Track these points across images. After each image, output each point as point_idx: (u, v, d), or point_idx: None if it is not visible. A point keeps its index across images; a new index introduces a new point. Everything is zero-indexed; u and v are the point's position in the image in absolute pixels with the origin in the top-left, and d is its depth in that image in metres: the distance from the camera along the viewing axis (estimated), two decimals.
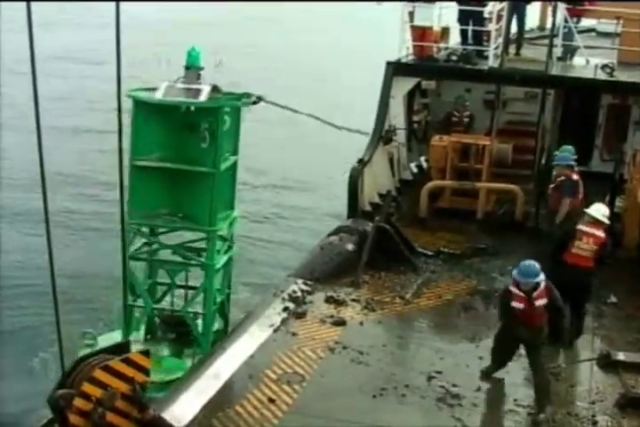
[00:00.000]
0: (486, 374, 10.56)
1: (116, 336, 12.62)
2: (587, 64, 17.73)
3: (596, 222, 11.50)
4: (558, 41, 17.33)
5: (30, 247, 18.50)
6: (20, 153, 24.87)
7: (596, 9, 19.35)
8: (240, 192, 13.14)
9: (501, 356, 10.52)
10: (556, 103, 17.46)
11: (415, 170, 18.59)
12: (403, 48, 17.40)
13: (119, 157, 7.91)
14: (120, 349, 8.28)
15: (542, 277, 9.83)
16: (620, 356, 10.98)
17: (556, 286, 10.19)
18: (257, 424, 9.30)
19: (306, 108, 13.14)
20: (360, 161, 15.86)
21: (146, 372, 8.10)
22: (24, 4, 7.03)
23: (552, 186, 13.54)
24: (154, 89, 11.86)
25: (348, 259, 13.72)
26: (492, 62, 16.75)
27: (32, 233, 19.00)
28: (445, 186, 16.27)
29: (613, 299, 13.04)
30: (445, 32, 18.20)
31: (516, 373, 10.54)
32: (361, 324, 11.96)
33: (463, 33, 17.75)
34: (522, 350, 10.40)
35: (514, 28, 18.49)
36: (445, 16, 17.74)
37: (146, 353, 8.26)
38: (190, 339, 12.67)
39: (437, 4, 17.31)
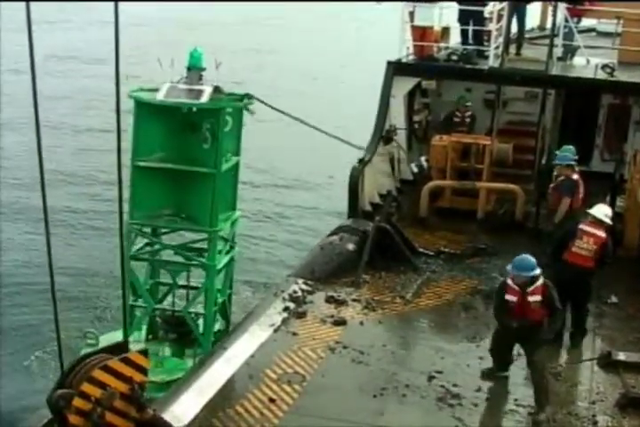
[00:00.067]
0: (487, 375, 10.56)
1: (117, 336, 12.57)
2: (587, 64, 17.72)
3: (597, 222, 11.50)
4: (559, 41, 17.32)
5: (32, 246, 18.53)
6: (21, 152, 24.93)
7: (597, 9, 19.34)
8: (241, 191, 13.14)
9: (500, 354, 10.52)
10: (556, 103, 17.45)
11: (415, 170, 18.59)
12: (403, 48, 17.39)
13: (118, 156, 7.91)
14: (119, 348, 8.28)
15: (538, 272, 9.83)
16: (621, 356, 10.98)
17: (556, 284, 10.21)
18: (257, 424, 9.31)
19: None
20: (360, 161, 15.85)
21: (144, 371, 8.09)
22: (24, 3, 7.02)
23: (552, 185, 13.55)
24: (155, 89, 11.86)
25: (348, 259, 13.73)
26: (493, 62, 16.74)
27: (34, 232, 19.03)
28: (446, 186, 16.27)
29: (614, 299, 13.03)
30: (446, 32, 18.18)
31: (516, 373, 10.54)
32: (361, 324, 11.96)
33: (463, 33, 17.74)
34: (522, 350, 10.40)
35: (514, 27, 18.47)
36: (446, 16, 17.73)
37: (144, 353, 8.25)
38: (191, 339, 12.67)
39: (438, 3, 17.29)
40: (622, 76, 16.68)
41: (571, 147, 13.85)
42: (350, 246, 13.94)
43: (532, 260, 9.87)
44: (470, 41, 17.50)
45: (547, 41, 16.98)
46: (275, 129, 12.65)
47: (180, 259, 12.85)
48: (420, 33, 17.25)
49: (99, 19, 41.87)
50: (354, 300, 12.66)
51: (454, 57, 17.26)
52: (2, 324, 16.42)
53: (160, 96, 11.64)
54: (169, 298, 13.34)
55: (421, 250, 14.60)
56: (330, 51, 45.08)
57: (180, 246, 12.89)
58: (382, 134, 16.91)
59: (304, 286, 12.88)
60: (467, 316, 12.45)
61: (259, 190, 24.37)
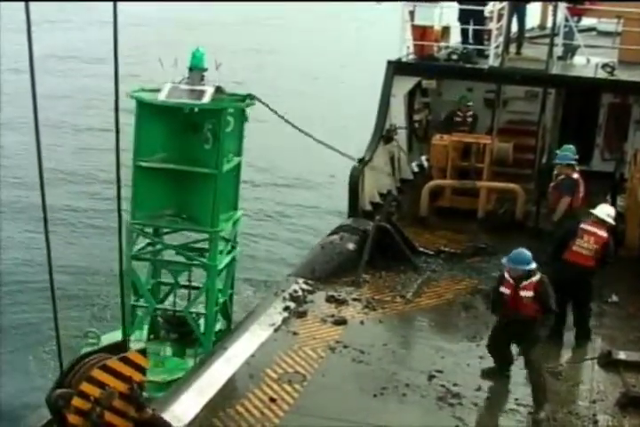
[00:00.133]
0: (487, 374, 10.56)
1: (119, 335, 12.54)
2: (587, 63, 17.72)
3: (599, 222, 11.49)
4: (559, 40, 17.33)
5: (33, 244, 18.52)
6: (21, 151, 24.93)
7: (597, 8, 19.35)
8: (242, 190, 13.15)
9: (497, 351, 10.52)
10: (556, 102, 17.45)
11: (416, 169, 18.60)
12: (403, 47, 17.39)
13: (117, 155, 7.91)
14: (118, 348, 8.28)
15: (533, 266, 9.86)
16: (622, 355, 10.98)
17: (556, 284, 10.21)
18: (258, 424, 9.30)
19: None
20: (361, 160, 15.85)
21: (143, 371, 8.09)
22: (23, 3, 7.03)
23: (552, 184, 13.55)
24: (157, 90, 11.86)
25: (348, 258, 13.72)
26: (493, 61, 16.73)
27: (34, 230, 19.02)
28: (446, 185, 16.26)
29: (614, 298, 13.03)
30: (446, 31, 18.17)
31: (516, 372, 10.52)
32: (362, 323, 11.96)
33: (464, 32, 17.73)
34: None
35: (514, 27, 18.47)
36: (446, 15, 17.72)
37: (143, 352, 8.25)
38: (193, 339, 12.67)
39: (438, 3, 17.29)
40: (622, 75, 16.68)
41: (571, 146, 13.85)
42: (350, 246, 13.93)
43: (528, 254, 9.91)
44: (470, 40, 17.50)
45: (547, 40, 16.98)
46: (276, 128, 12.65)
47: (181, 259, 12.85)
48: (421, 32, 17.25)
49: (98, 19, 41.84)
50: (354, 299, 12.66)
51: (454, 56, 17.26)
52: (2, 322, 16.43)
53: (162, 96, 11.63)
54: (170, 298, 13.34)
55: (422, 249, 14.60)
56: (330, 51, 45.06)
57: (182, 246, 12.90)
58: (383, 134, 16.91)
59: (304, 286, 12.88)
60: (467, 315, 12.44)
61: (260, 189, 24.39)
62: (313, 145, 13.94)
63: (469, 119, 17.33)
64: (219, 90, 11.80)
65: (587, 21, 21.08)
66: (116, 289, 15.93)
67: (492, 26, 17.05)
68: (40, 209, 7.43)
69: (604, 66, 16.83)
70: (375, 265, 13.76)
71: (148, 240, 12.64)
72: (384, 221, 14.21)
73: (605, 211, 11.65)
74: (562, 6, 17.29)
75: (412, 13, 17.08)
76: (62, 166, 24.89)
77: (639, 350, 11.34)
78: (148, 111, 11.82)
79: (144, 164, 11.91)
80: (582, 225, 11.51)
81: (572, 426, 9.67)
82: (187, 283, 13.20)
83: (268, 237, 21.50)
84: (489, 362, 10.69)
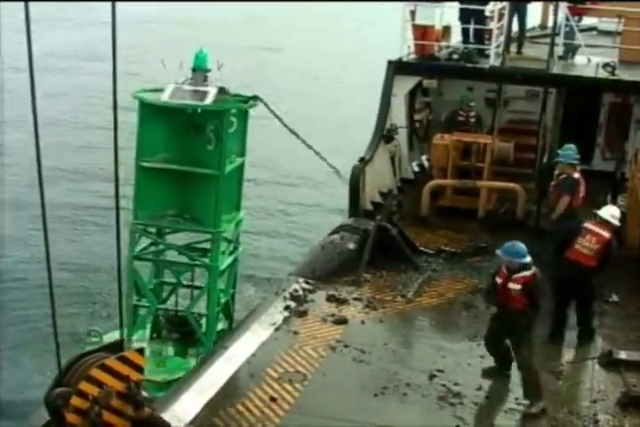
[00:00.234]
0: (488, 373, 10.55)
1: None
2: (588, 63, 17.72)
3: (603, 222, 11.49)
4: (560, 40, 17.33)
5: (33, 242, 18.50)
6: (21, 149, 24.93)
7: (598, 7, 19.36)
8: (245, 189, 13.12)
9: (493, 346, 10.51)
10: (557, 102, 17.43)
11: (416, 169, 18.60)
12: (404, 47, 17.38)
13: (115, 153, 7.91)
14: (115, 347, 8.29)
15: (527, 260, 9.86)
16: (622, 355, 10.98)
17: (557, 282, 10.19)
18: (258, 423, 9.30)
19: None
20: (361, 160, 15.84)
21: (141, 370, 8.10)
22: (23, 3, 7.03)
23: (553, 183, 13.55)
24: (160, 90, 11.85)
25: (349, 258, 13.72)
26: (494, 61, 16.73)
27: (36, 228, 18.99)
28: (447, 184, 16.26)
29: (615, 298, 13.02)
30: (447, 31, 18.17)
31: (516, 372, 10.51)
32: (362, 322, 11.95)
33: (465, 32, 17.72)
34: None
35: (515, 26, 18.47)
36: (447, 15, 17.72)
37: (141, 351, 8.25)
38: (194, 339, 12.67)
39: (439, 2, 17.29)
40: (623, 74, 16.68)
41: (572, 146, 13.84)
42: (351, 245, 13.93)
43: (523, 247, 9.94)
44: (471, 40, 17.48)
45: (548, 40, 16.99)
46: (278, 125, 12.65)
47: (183, 259, 12.84)
48: (421, 32, 17.25)
49: (98, 19, 41.82)
50: (355, 299, 12.65)
51: (455, 56, 17.27)
52: (3, 320, 16.43)
53: (164, 97, 11.60)
54: (173, 298, 13.33)
55: (422, 249, 14.60)
56: (330, 50, 45.07)
57: (184, 247, 12.88)
58: (383, 133, 16.90)
59: (305, 285, 12.88)
60: (468, 315, 12.44)
61: (262, 187, 24.38)
62: (315, 143, 13.93)
63: (472, 119, 17.32)
64: (222, 91, 11.78)
65: (587, 21, 21.11)
66: (117, 287, 15.93)
67: (493, 25, 17.06)
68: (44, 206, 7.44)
69: (605, 65, 16.83)
70: (376, 264, 13.75)
71: (150, 240, 12.64)
72: (385, 221, 14.21)
73: (610, 212, 11.64)
74: (562, 6, 17.29)
75: (412, 13, 17.08)
76: (63, 164, 24.90)
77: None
78: (151, 112, 11.80)
79: (146, 164, 11.89)
80: (586, 224, 11.51)
81: (573, 426, 9.66)
82: (189, 283, 13.19)
83: (271, 235, 21.51)
84: (490, 361, 10.69)
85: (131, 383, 7.89)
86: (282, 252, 20.39)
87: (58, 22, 48.67)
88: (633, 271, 13.74)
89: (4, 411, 13.44)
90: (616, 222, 11.58)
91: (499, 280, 10.05)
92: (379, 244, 13.86)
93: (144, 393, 8.15)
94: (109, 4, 7.88)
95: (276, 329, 11.47)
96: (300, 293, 12.62)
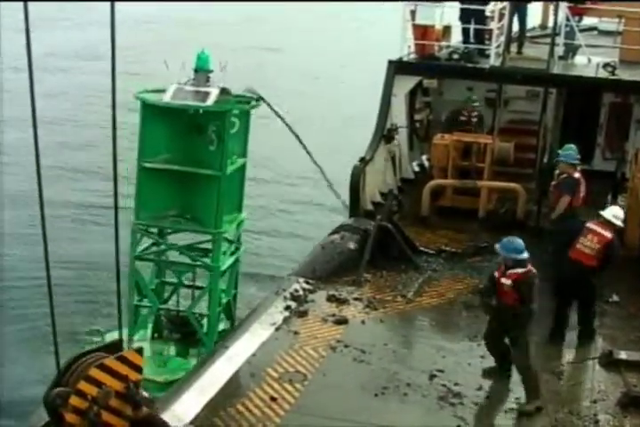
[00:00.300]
0: (488, 373, 10.55)
1: (123, 334, 12.63)
2: (588, 63, 17.72)
3: (605, 223, 11.48)
4: (560, 40, 17.32)
5: (34, 241, 18.46)
6: (22, 148, 24.89)
7: (598, 7, 19.35)
8: (247, 188, 13.12)
9: (491, 344, 10.50)
10: (557, 102, 17.42)
11: (417, 169, 18.59)
12: (404, 47, 17.38)
13: (113, 153, 7.92)
14: (114, 347, 8.29)
15: (523, 256, 9.86)
16: (622, 355, 10.98)
17: (558, 282, 10.17)
18: (259, 423, 9.29)
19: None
20: (362, 160, 15.84)
21: (140, 370, 8.09)
22: (23, 3, 7.04)
23: (554, 183, 13.54)
24: (162, 90, 11.84)
25: (349, 258, 13.72)
26: (494, 61, 16.73)
27: (38, 226, 18.95)
28: (447, 184, 16.25)
29: (615, 298, 13.02)
30: (447, 31, 18.17)
31: (516, 371, 10.51)
32: (363, 322, 11.95)
33: (465, 31, 17.71)
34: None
35: (515, 26, 18.46)
36: (447, 14, 17.71)
37: (140, 351, 8.25)
38: (196, 339, 12.67)
39: (440, 2, 17.29)
40: (623, 74, 16.68)
41: (572, 145, 13.83)
42: (351, 245, 13.93)
43: (520, 243, 9.94)
44: (472, 40, 17.48)
45: (548, 40, 16.98)
46: (280, 124, 12.68)
47: (185, 259, 12.84)
48: (422, 32, 17.25)
49: (98, 19, 41.84)
50: (355, 299, 12.65)
51: (456, 56, 17.26)
52: (3, 319, 16.40)
53: (166, 98, 11.61)
54: (174, 298, 13.33)
55: (422, 249, 14.59)
56: (330, 50, 45.04)
57: (186, 247, 12.88)
58: (384, 133, 16.90)
59: (305, 285, 12.87)
60: (468, 315, 12.43)
61: (263, 187, 24.34)
62: (315, 143, 13.94)
63: (474, 119, 17.32)
64: (224, 91, 11.77)
65: (588, 21, 21.09)
66: (121, 287, 15.92)
67: (494, 25, 17.05)
68: (45, 205, 7.43)
69: (606, 65, 16.83)
70: (376, 264, 13.75)
71: (152, 240, 12.64)
72: (385, 221, 14.21)
73: (613, 212, 11.63)
74: (563, 6, 17.28)
75: (413, 13, 17.08)
76: (62, 162, 24.87)
77: None
78: (153, 112, 11.82)
79: (148, 164, 11.91)
80: (588, 224, 11.51)
81: (573, 426, 9.66)
82: (190, 283, 13.19)
83: (272, 234, 21.48)
84: (490, 361, 10.69)
85: (129, 383, 7.88)
86: (283, 251, 20.36)
87: (58, 22, 48.65)
88: (633, 271, 13.73)
89: (3, 411, 13.42)
90: (619, 223, 11.58)
91: (496, 274, 10.11)
92: (379, 244, 13.85)
93: (145, 393, 8.13)
94: (109, 4, 7.88)
95: (277, 329, 11.47)
96: (301, 293, 12.62)
